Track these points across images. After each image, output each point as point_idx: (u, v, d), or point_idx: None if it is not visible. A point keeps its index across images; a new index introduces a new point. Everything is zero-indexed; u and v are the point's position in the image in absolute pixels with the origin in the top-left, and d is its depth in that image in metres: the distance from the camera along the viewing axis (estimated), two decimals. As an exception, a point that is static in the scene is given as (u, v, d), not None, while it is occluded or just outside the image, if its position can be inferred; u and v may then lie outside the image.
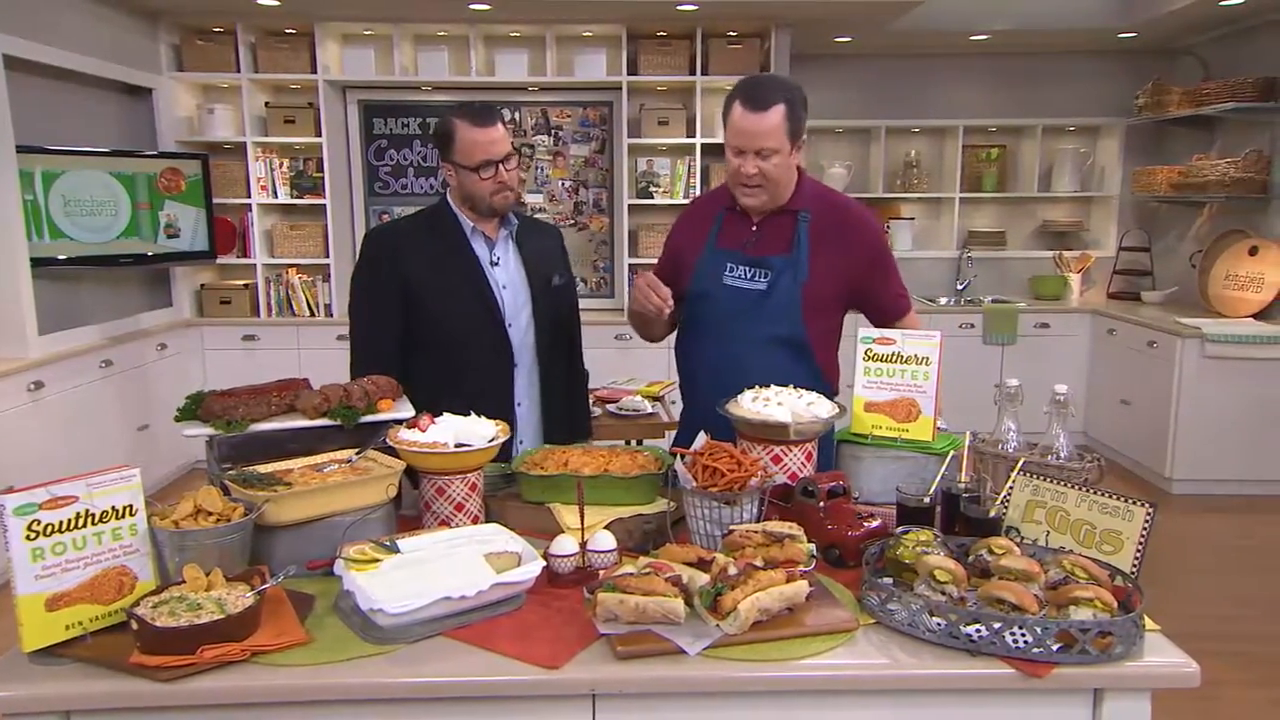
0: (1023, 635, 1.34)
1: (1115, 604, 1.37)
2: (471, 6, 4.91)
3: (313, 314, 5.54)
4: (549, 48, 5.38)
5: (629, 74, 5.42)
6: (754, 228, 2.23)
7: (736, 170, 2.12)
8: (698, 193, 5.57)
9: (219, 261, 5.42)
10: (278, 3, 4.86)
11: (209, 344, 5.43)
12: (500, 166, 2.21)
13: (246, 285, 5.55)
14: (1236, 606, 3.74)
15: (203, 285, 5.54)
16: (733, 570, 1.45)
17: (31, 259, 4.10)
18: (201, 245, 5.11)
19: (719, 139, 5.47)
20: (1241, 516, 4.77)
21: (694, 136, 5.50)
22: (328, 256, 5.54)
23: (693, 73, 5.43)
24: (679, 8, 4.91)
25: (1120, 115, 6.15)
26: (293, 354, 5.41)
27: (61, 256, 4.36)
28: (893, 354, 1.95)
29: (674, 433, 3.29)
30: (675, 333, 2.43)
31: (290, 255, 5.57)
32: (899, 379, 1.94)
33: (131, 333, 4.83)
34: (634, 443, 3.36)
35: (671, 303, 2.12)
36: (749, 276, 2.20)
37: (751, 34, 5.43)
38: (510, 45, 5.55)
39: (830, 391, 2.19)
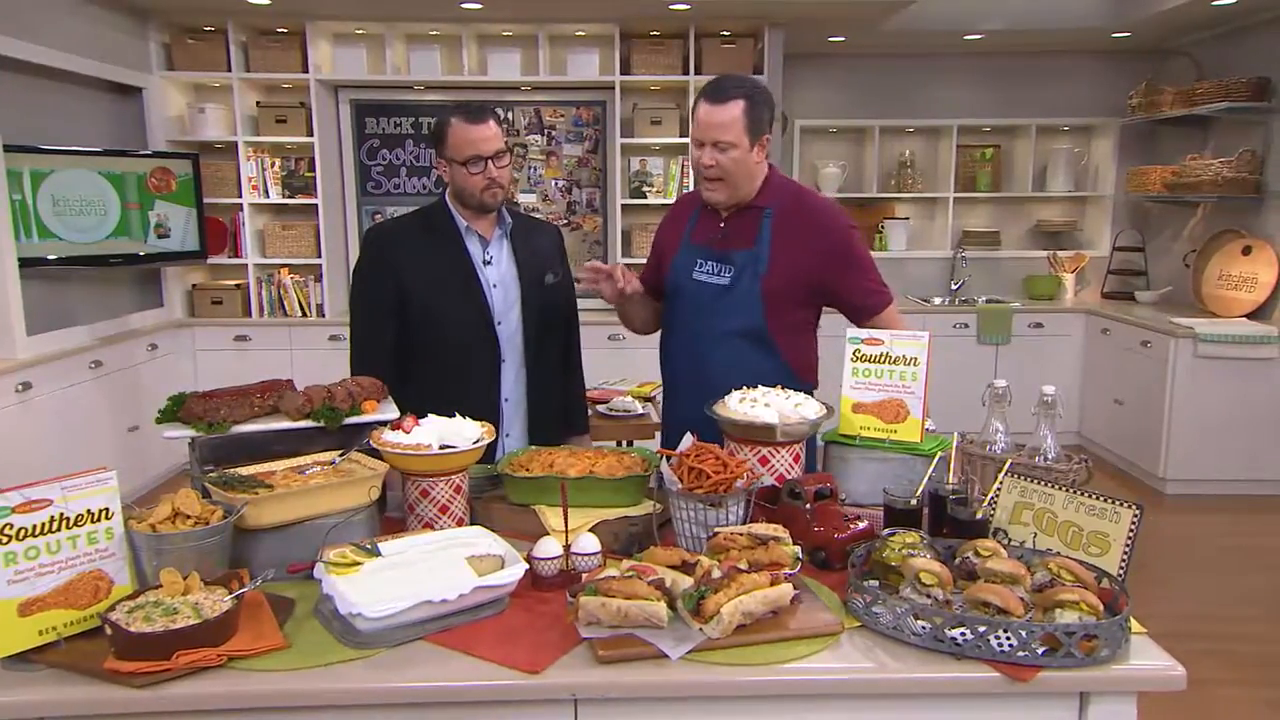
0: (1007, 638, 1.32)
1: (1101, 607, 1.36)
2: (463, 5, 4.89)
3: (304, 314, 5.52)
4: (541, 47, 5.36)
5: (622, 73, 5.41)
6: (722, 224, 2.28)
7: (696, 162, 2.19)
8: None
9: (210, 261, 5.39)
10: (269, 2, 4.84)
11: (200, 344, 5.40)
12: (490, 163, 2.24)
13: (238, 285, 5.52)
14: (1229, 606, 3.73)
15: (194, 285, 5.51)
16: (717, 573, 1.44)
17: (20, 259, 4.08)
18: (192, 245, 5.08)
19: (712, 139, 5.49)
20: (1234, 516, 4.77)
21: (687, 136, 5.44)
22: (320, 256, 5.52)
23: (686, 72, 5.41)
24: (671, 7, 4.90)
25: (1114, 115, 6.15)
26: (285, 354, 5.39)
27: (50, 256, 4.33)
28: (881, 354, 1.94)
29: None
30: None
31: (282, 255, 5.55)
32: (887, 380, 1.93)
33: (122, 333, 4.80)
34: (625, 444, 3.35)
35: (630, 281, 2.23)
36: (715, 271, 2.26)
37: (744, 33, 5.41)
38: (503, 44, 5.53)
39: (805, 387, 2.20)
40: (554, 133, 5.76)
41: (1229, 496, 4.97)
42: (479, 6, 4.91)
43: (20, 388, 3.93)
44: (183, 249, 5.04)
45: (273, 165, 5.48)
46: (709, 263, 2.26)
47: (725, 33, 5.40)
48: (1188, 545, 4.41)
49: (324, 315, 5.52)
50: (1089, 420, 5.84)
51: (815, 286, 2.22)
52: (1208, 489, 4.99)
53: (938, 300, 6.27)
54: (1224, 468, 4.96)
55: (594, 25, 5.36)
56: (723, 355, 2.20)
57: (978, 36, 5.68)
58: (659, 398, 3.66)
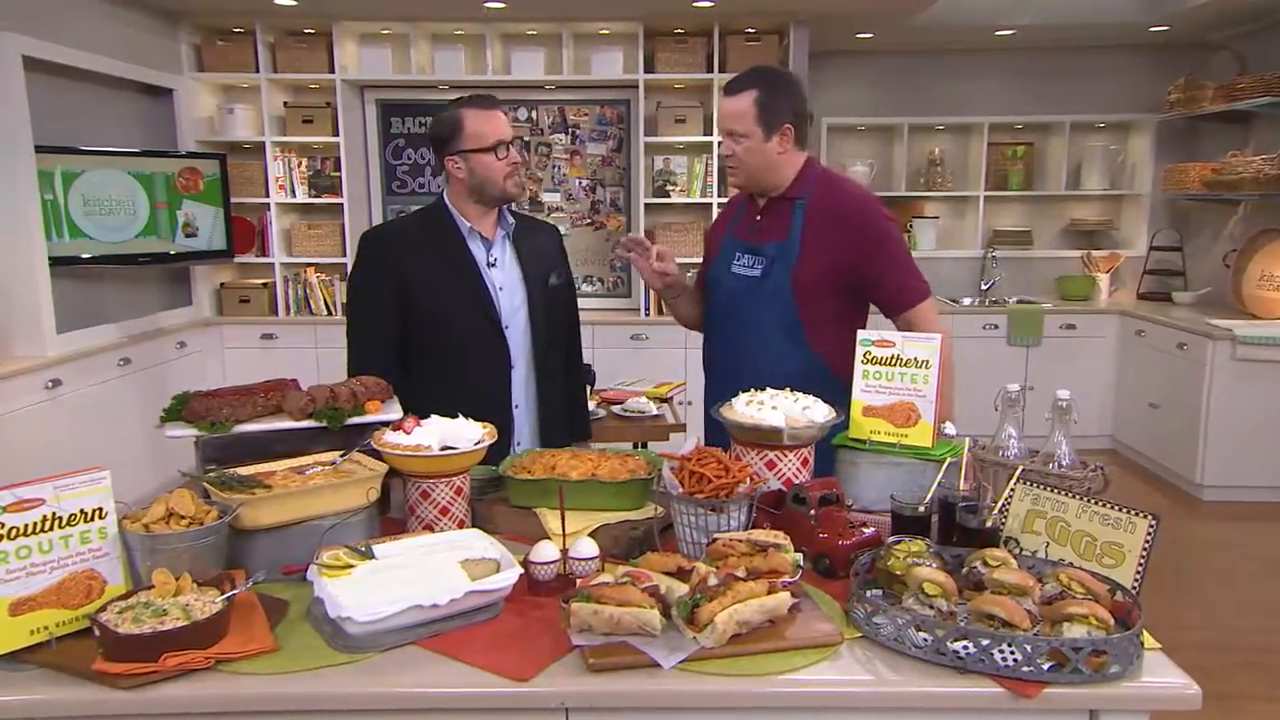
0: (1011, 653, 1.27)
1: (1111, 621, 1.31)
2: (487, 5, 4.89)
3: (330, 313, 5.56)
4: (565, 46, 5.36)
5: (646, 72, 5.38)
6: (759, 217, 2.30)
7: (721, 154, 2.30)
8: (715, 191, 5.53)
9: (238, 261, 5.46)
10: (295, 3, 4.88)
11: (228, 342, 5.47)
12: (512, 148, 2.24)
13: (265, 284, 5.58)
14: (1267, 618, 3.61)
15: (222, 284, 5.58)
16: (713, 580, 1.40)
17: (51, 258, 4.15)
18: (219, 244, 5.14)
19: (736, 137, 5.43)
20: (1274, 524, 4.63)
21: (711, 135, 5.43)
22: (345, 256, 5.56)
23: (710, 70, 5.37)
24: (695, 4, 4.86)
25: (1151, 111, 6.00)
26: (310, 353, 5.44)
27: (83, 255, 4.40)
28: (891, 357, 1.89)
29: (681, 435, 3.27)
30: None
31: (308, 254, 5.60)
32: (898, 382, 1.88)
33: (150, 331, 4.87)
34: (642, 445, 3.31)
35: (669, 264, 2.29)
36: (749, 264, 2.28)
37: (769, 31, 5.36)
38: (526, 43, 5.53)
39: (837, 381, 2.12)
40: (578, 132, 5.75)
41: (1268, 504, 4.82)
42: (502, 5, 4.91)
43: (50, 384, 3.99)
44: (210, 248, 5.10)
45: (299, 165, 5.54)
46: (745, 255, 2.29)
47: (750, 30, 5.35)
48: (1224, 553, 4.29)
49: (349, 314, 5.54)
50: (1123, 424, 5.71)
51: (846, 275, 2.20)
52: (1246, 495, 4.84)
53: (967, 300, 6.17)
54: (1263, 474, 4.81)
55: (618, 24, 5.34)
56: (756, 348, 2.23)
57: (1009, 32, 5.57)
58: (677, 399, 3.63)
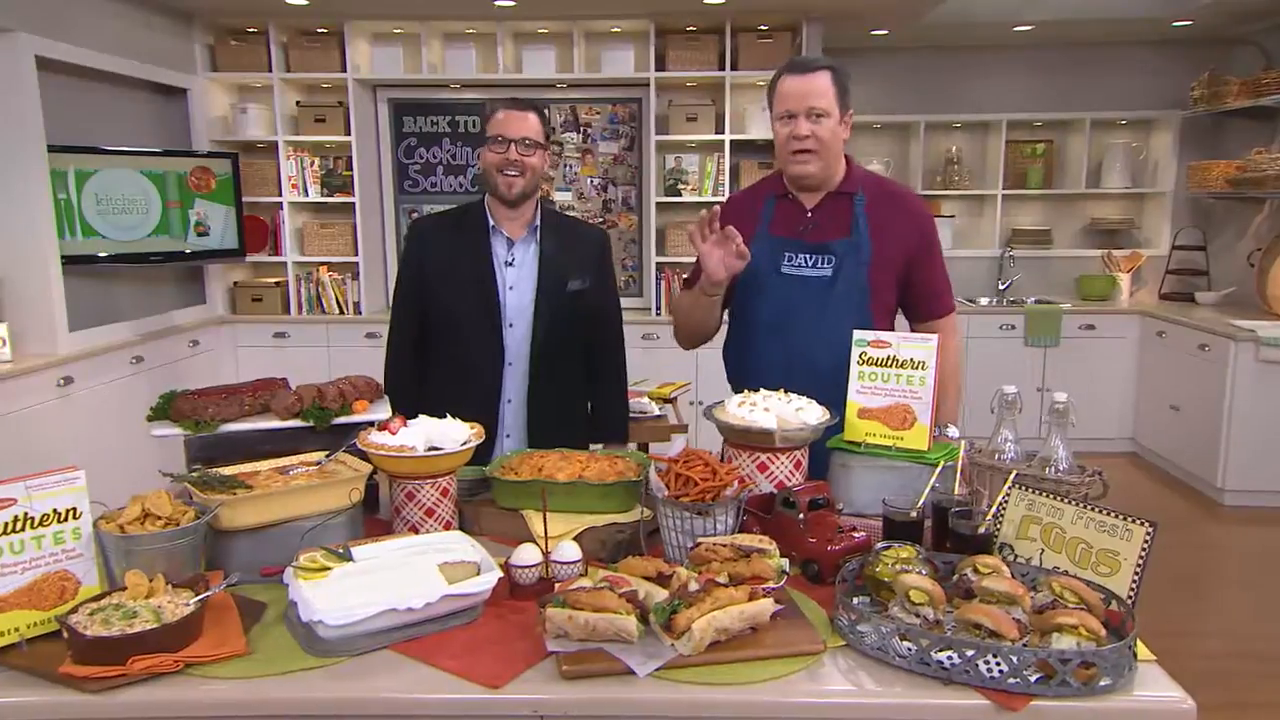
0: (997, 664, 1.23)
1: (1103, 631, 1.26)
2: (498, 3, 4.88)
3: (341, 312, 5.57)
4: (576, 44, 5.33)
5: (657, 70, 5.33)
6: (809, 214, 2.19)
7: (788, 137, 2.09)
8: (726, 189, 5.46)
9: (250, 260, 5.48)
10: (307, 2, 4.89)
11: (241, 341, 5.49)
12: (513, 145, 2.24)
13: (278, 283, 5.59)
14: (1288, 626, 3.53)
15: (235, 283, 5.60)
16: (694, 586, 1.37)
17: (64, 257, 4.17)
18: (231, 243, 5.15)
19: (749, 135, 5.39)
20: (1297, 530, 4.53)
21: (723, 133, 5.39)
22: (357, 255, 5.56)
23: (722, 68, 5.32)
24: (707, 1, 4.81)
25: (1174, 107, 5.89)
26: (322, 351, 5.45)
27: (98, 254, 4.42)
28: (888, 358, 1.85)
29: (681, 436, 3.23)
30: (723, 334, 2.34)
31: (320, 253, 5.61)
32: (894, 384, 1.83)
33: (163, 329, 4.89)
34: (643, 447, 3.28)
35: (742, 249, 1.99)
36: (811, 264, 2.16)
37: (782, 28, 5.30)
38: (538, 42, 5.50)
39: None
40: (590, 130, 5.72)
41: (1292, 508, 4.72)
42: (513, 4, 4.89)
43: (61, 382, 4.02)
44: (221, 247, 5.12)
45: (312, 164, 5.55)
46: (801, 255, 2.16)
47: (762, 27, 5.29)
48: (1247, 558, 4.19)
49: (360, 313, 5.56)
50: (1144, 427, 5.60)
51: (903, 274, 2.17)
52: (1268, 500, 4.73)
53: (984, 300, 6.07)
54: (1287, 478, 4.71)
55: (629, 21, 5.30)
56: (828, 351, 2.05)
57: (1027, 27, 5.48)
58: (681, 399, 3.59)
